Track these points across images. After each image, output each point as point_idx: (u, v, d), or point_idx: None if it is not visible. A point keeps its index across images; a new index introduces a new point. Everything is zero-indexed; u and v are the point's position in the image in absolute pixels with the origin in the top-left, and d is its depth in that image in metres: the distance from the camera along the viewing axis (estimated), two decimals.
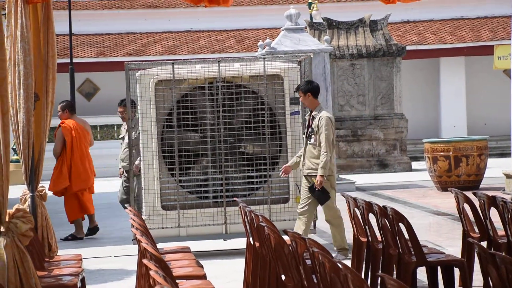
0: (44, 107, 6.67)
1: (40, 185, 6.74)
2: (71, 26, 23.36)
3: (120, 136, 10.33)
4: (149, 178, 8.90)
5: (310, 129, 8.29)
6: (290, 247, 5.09)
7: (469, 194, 7.03)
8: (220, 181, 8.98)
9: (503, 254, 5.37)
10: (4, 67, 4.76)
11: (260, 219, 5.79)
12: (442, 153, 14.84)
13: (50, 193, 7.20)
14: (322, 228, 10.60)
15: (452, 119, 26.67)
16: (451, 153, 14.77)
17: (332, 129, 8.26)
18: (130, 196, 9.09)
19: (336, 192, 8.40)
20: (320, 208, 8.45)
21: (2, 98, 4.72)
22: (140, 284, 5.77)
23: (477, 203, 6.70)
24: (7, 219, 4.98)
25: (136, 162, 9.73)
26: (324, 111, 8.36)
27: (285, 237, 5.42)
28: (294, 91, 8.87)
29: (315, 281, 4.65)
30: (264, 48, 16.18)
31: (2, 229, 4.95)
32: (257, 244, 6.30)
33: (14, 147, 19.61)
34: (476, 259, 4.66)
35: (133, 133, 9.98)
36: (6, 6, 6.42)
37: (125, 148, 10.04)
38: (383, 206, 6.17)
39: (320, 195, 8.13)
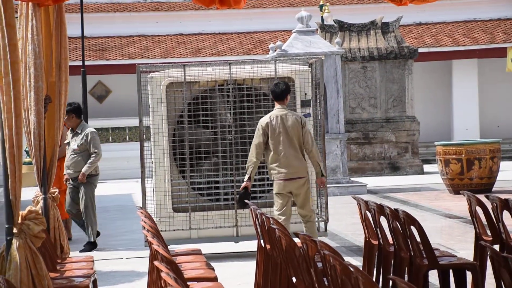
0: (57, 110, 6.69)
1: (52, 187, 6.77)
2: (83, 28, 23.45)
3: (65, 142, 10.13)
4: (160, 180, 8.92)
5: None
6: (301, 250, 5.08)
7: (482, 197, 7.00)
8: (231, 183, 8.99)
9: None
10: (17, 69, 4.79)
11: (271, 222, 5.79)
12: (454, 155, 14.79)
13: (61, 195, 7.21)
14: (333, 230, 10.58)
15: (464, 122, 26.57)
16: (463, 155, 14.71)
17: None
18: (142, 199, 9.10)
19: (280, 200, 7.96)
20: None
21: (15, 100, 4.74)
22: (151, 286, 5.78)
23: (489, 206, 6.67)
24: (19, 221, 5.00)
25: (83, 169, 9.78)
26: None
27: (296, 240, 5.41)
28: (305, 94, 8.85)
29: (326, 283, 4.65)
30: (275, 50, 16.18)
31: (15, 230, 4.97)
32: (268, 246, 6.30)
33: (26, 149, 19.68)
34: (489, 262, 4.63)
35: (77, 141, 9.87)
36: (18, 9, 6.46)
37: (71, 155, 9.97)
38: (394, 208, 6.16)
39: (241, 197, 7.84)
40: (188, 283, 5.04)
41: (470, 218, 6.95)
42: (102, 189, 20.02)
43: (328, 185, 12.96)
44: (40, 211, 6.53)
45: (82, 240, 11.16)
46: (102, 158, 10.14)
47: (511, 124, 25.99)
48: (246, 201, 7.70)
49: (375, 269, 6.75)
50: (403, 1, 6.78)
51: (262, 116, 9.00)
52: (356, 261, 8.11)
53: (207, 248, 9.02)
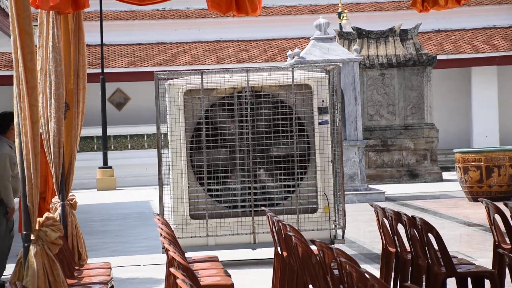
0: (74, 117, 6.73)
1: (70, 193, 6.80)
2: (102, 36, 23.60)
3: None
4: (178, 187, 8.94)
5: None
6: (318, 257, 5.07)
7: (500, 204, 6.95)
8: (249, 191, 8.99)
9: None
10: (34, 77, 4.82)
11: (288, 229, 5.78)
12: (473, 163, 14.70)
13: (79, 202, 7.24)
14: (351, 238, 10.54)
15: (483, 129, 26.41)
16: (482, 163, 14.62)
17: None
18: (159, 206, 9.12)
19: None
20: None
21: (32, 108, 4.77)
22: None
23: (508, 214, 6.62)
24: (37, 227, 5.03)
25: (15, 200, 7.59)
26: None
27: (313, 247, 5.40)
28: (323, 101, 8.85)
29: None
30: (293, 57, 16.19)
31: (32, 237, 5.00)
32: (284, 253, 6.29)
33: None
34: (507, 270, 4.60)
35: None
36: (38, 17, 6.51)
37: None
38: (411, 216, 6.13)
39: None
40: None
41: (489, 226, 6.90)
42: (121, 196, 20.11)
43: (346, 193, 12.94)
44: (58, 218, 6.58)
45: (101, 247, 11.21)
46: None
47: None
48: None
49: (392, 276, 6.72)
50: (425, 7, 6.78)
51: (279, 123, 9.00)
52: (374, 269, 8.08)
53: (224, 255, 9.02)
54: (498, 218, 6.65)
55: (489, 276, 5.83)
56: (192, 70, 10.98)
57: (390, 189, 17.61)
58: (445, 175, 20.54)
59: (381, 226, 6.82)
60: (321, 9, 28.30)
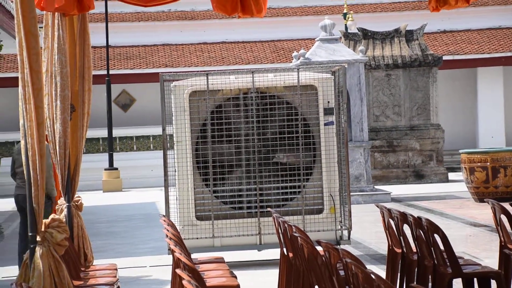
0: (80, 118, 6.74)
1: (76, 195, 6.81)
2: (107, 38, 23.63)
3: None
4: (183, 188, 8.94)
5: None
6: (324, 258, 5.06)
7: (506, 205, 6.93)
8: (254, 192, 8.99)
9: None
10: (40, 79, 4.83)
11: (294, 230, 5.78)
12: (479, 163, 14.66)
13: (85, 203, 7.25)
14: (357, 239, 10.53)
15: (489, 130, 26.36)
16: (488, 163, 14.59)
17: None
18: (165, 207, 9.12)
19: None
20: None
21: (37, 109, 4.78)
22: None
23: None
24: (43, 229, 5.04)
25: None
26: None
27: (319, 248, 5.40)
28: (328, 102, 8.84)
29: None
30: (298, 58, 16.18)
31: (38, 238, 5.00)
32: (290, 254, 6.29)
33: None
34: None
35: None
36: (43, 19, 6.52)
37: None
38: (417, 216, 6.12)
39: None
40: None
41: (495, 227, 6.88)
42: (126, 198, 20.12)
43: (352, 193, 12.92)
44: (64, 220, 6.59)
45: (107, 248, 11.23)
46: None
47: None
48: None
49: (398, 277, 6.71)
50: (436, 7, 6.80)
51: (284, 124, 9.00)
52: (380, 270, 8.07)
53: (230, 256, 9.02)
54: (504, 218, 6.63)
55: (495, 276, 5.81)
56: (198, 71, 11.01)
57: (396, 190, 17.58)
58: (451, 175, 20.50)
59: (387, 227, 6.81)
60: (326, 10, 28.29)
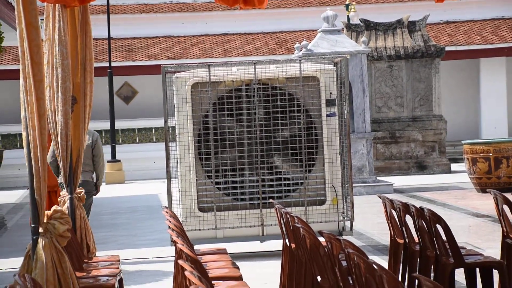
0: (82, 110, 6.74)
1: (78, 187, 6.82)
2: (109, 30, 23.61)
3: None
4: (186, 180, 8.95)
5: None
6: (326, 249, 5.07)
7: (509, 195, 6.93)
8: (257, 183, 8.99)
9: None
10: (41, 70, 4.83)
11: (296, 221, 5.78)
12: (481, 154, 14.65)
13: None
14: (359, 230, 10.54)
15: (492, 120, 26.32)
16: (491, 154, 14.57)
17: None
18: (167, 199, 9.12)
19: None
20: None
21: (38, 101, 4.78)
22: (176, 285, 5.80)
23: None
24: (45, 220, 5.05)
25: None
26: None
27: (321, 239, 5.40)
28: (330, 93, 8.83)
29: (351, 282, 4.63)
30: (301, 50, 16.16)
31: (41, 230, 5.01)
32: (293, 245, 6.29)
33: None
34: None
35: None
36: (44, 10, 6.51)
37: None
38: (419, 207, 6.12)
39: None
40: (213, 282, 5.05)
41: (497, 217, 6.88)
42: (129, 190, 20.14)
43: (354, 185, 12.91)
44: (66, 211, 6.60)
45: (110, 240, 11.25)
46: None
47: None
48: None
49: (400, 268, 6.72)
50: None
51: (287, 116, 8.99)
52: (382, 260, 8.08)
53: (233, 247, 9.03)
54: (506, 209, 6.63)
55: (498, 266, 5.82)
56: (200, 63, 10.98)
57: (399, 181, 17.58)
58: (454, 166, 20.48)
59: (389, 218, 6.81)
60: (328, 1, 28.22)
